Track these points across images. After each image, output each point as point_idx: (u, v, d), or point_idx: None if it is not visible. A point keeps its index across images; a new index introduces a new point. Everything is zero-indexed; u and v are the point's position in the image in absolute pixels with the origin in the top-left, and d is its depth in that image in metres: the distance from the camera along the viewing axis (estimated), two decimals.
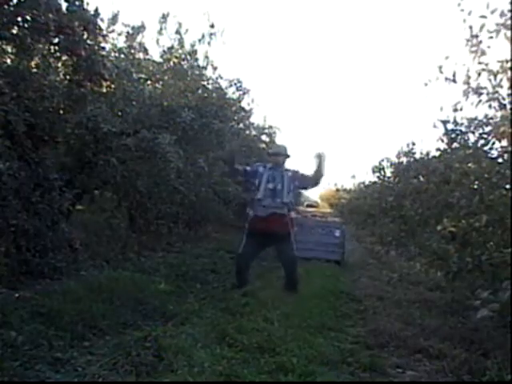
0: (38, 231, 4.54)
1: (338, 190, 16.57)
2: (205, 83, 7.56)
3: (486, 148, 4.04)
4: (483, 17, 3.53)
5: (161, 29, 7.60)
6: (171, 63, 7.42)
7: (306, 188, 5.76)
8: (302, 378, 2.87)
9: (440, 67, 3.93)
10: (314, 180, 5.43)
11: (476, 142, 4.23)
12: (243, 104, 9.74)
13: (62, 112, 5.06)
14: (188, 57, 7.60)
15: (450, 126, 4.58)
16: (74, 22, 4.29)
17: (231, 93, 8.63)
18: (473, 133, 4.36)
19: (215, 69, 8.14)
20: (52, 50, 4.70)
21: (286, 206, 5.17)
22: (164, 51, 7.47)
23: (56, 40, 4.43)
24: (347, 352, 3.49)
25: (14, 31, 4.18)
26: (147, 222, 7.76)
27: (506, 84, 3.63)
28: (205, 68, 7.93)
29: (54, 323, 3.30)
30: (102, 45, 5.10)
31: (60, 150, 5.61)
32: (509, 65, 3.53)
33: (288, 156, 5.49)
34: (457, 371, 3.20)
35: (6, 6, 4.00)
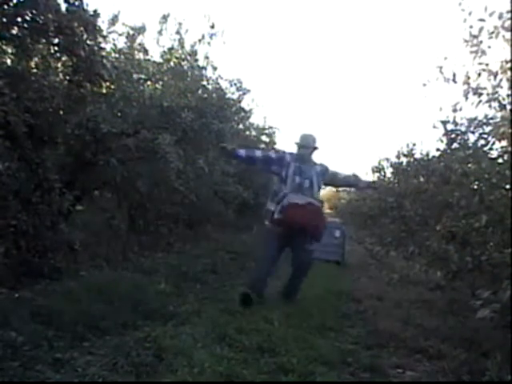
0: (37, 232, 4.53)
1: (337, 191, 16.55)
2: (205, 83, 7.56)
3: (485, 148, 4.03)
4: (481, 20, 3.53)
5: (161, 29, 7.59)
6: (171, 63, 7.41)
7: (334, 185, 5.63)
8: (302, 378, 2.87)
9: (440, 67, 3.94)
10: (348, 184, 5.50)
11: (476, 142, 4.23)
12: (243, 104, 9.75)
13: (61, 113, 5.06)
14: (188, 57, 7.59)
15: (449, 127, 4.58)
16: (73, 22, 4.29)
17: (231, 93, 8.63)
18: (473, 133, 4.36)
19: (215, 69, 8.14)
20: (52, 51, 4.69)
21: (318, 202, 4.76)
22: (164, 52, 7.46)
23: (56, 40, 4.43)
24: (347, 352, 3.49)
25: (14, 31, 4.18)
26: (147, 222, 7.75)
27: (505, 84, 3.62)
28: (205, 68, 7.92)
29: (53, 323, 3.30)
30: (102, 45, 5.10)
31: (60, 151, 5.60)
32: (509, 65, 3.53)
33: (316, 148, 4.96)
34: (457, 371, 3.20)
35: (5, 6, 4.00)
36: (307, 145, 4.85)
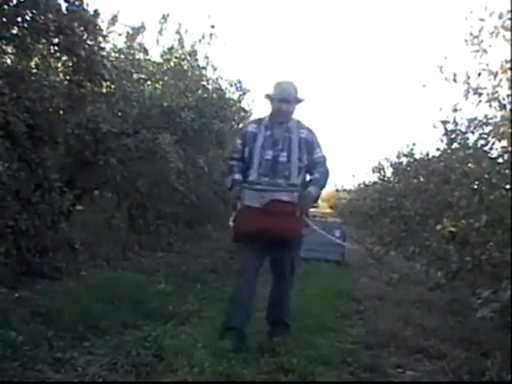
0: (38, 231, 4.53)
1: (337, 191, 16.54)
2: (205, 83, 7.56)
3: (485, 148, 4.04)
4: (482, 20, 3.53)
5: (161, 29, 7.59)
6: (171, 63, 7.41)
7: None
8: (302, 378, 2.87)
9: (440, 67, 3.94)
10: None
11: (476, 142, 4.23)
12: (243, 104, 9.74)
13: (61, 112, 5.06)
14: (188, 57, 7.60)
15: (449, 127, 4.58)
16: (73, 22, 4.29)
17: (231, 93, 8.63)
18: (473, 133, 4.36)
19: (215, 69, 8.14)
20: (52, 51, 4.70)
21: (296, 190, 3.29)
22: (164, 51, 7.47)
23: (56, 40, 4.43)
24: (347, 352, 3.49)
25: (14, 31, 4.19)
26: (147, 222, 7.76)
27: (505, 84, 3.63)
28: (205, 68, 7.93)
29: (53, 323, 3.30)
30: (102, 45, 5.11)
31: (60, 151, 5.60)
32: (509, 65, 3.53)
33: (301, 101, 3.45)
34: (457, 371, 3.20)
35: (5, 6, 4.00)
36: (288, 97, 3.33)
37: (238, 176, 3.45)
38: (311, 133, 3.45)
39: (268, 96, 3.43)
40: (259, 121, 3.50)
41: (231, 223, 3.51)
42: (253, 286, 3.35)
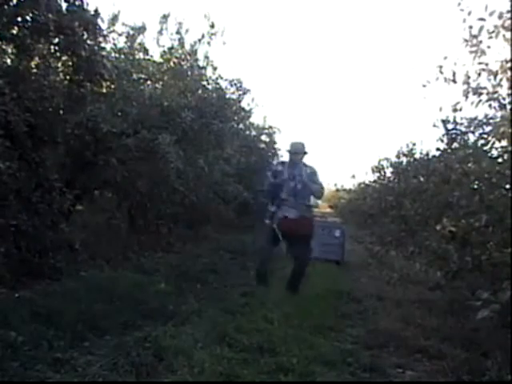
0: (38, 231, 4.53)
1: (337, 190, 16.54)
2: (205, 83, 7.56)
3: (485, 148, 4.03)
4: (482, 19, 3.52)
5: (161, 29, 7.61)
6: (171, 63, 7.41)
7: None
8: (302, 378, 2.87)
9: (440, 67, 3.93)
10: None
11: (476, 141, 4.23)
12: (243, 104, 9.75)
13: (61, 112, 5.05)
14: (188, 57, 7.60)
15: (449, 126, 4.58)
16: (74, 22, 4.30)
17: (231, 93, 8.63)
18: (473, 133, 4.36)
19: (215, 69, 8.14)
20: (52, 50, 4.70)
21: (310, 209, 5.39)
22: (164, 51, 7.47)
23: (56, 40, 4.44)
24: (347, 352, 3.49)
25: (14, 31, 4.19)
26: (147, 222, 7.75)
27: (505, 84, 3.62)
28: (205, 68, 7.93)
29: (53, 323, 3.30)
30: (102, 45, 5.11)
31: (60, 151, 5.60)
32: (509, 65, 3.52)
33: (306, 153, 5.52)
34: (457, 371, 3.20)
35: (5, 6, 4.00)
36: (298, 151, 5.45)
37: (273, 208, 5.36)
38: (312, 169, 5.45)
39: (288, 150, 5.52)
40: (282, 162, 5.69)
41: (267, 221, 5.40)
42: (270, 253, 5.50)
